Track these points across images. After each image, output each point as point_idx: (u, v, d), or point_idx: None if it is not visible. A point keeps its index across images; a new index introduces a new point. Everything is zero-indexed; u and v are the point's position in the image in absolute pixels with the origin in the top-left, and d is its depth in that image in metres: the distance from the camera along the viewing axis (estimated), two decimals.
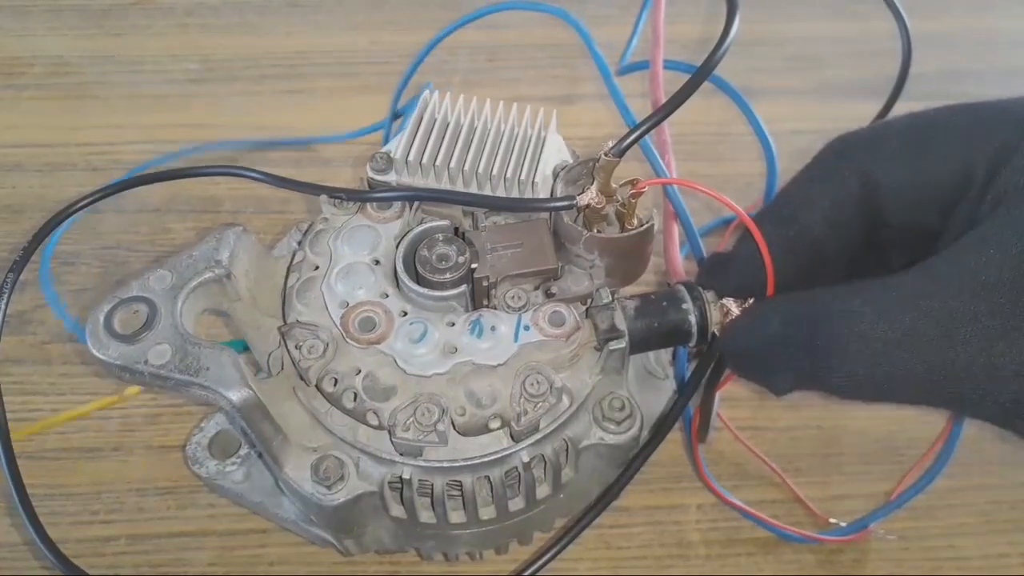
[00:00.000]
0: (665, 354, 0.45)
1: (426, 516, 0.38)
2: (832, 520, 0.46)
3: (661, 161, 0.42)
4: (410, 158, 0.40)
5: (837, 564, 0.46)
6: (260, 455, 0.40)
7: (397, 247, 0.39)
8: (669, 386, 0.44)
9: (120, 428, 0.50)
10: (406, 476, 0.36)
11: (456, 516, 0.38)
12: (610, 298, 0.39)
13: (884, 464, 0.49)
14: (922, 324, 0.29)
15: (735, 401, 0.50)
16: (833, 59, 0.67)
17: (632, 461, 0.40)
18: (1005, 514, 0.48)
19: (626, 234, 0.38)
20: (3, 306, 0.37)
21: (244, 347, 0.41)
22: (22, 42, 0.68)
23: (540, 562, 0.40)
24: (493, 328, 0.37)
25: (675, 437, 0.48)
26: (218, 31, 0.69)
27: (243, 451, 0.42)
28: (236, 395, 0.34)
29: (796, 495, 0.47)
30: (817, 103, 0.65)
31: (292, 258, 0.40)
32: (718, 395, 0.43)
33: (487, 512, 0.38)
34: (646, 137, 0.38)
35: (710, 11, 0.68)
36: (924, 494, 0.46)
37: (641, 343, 0.37)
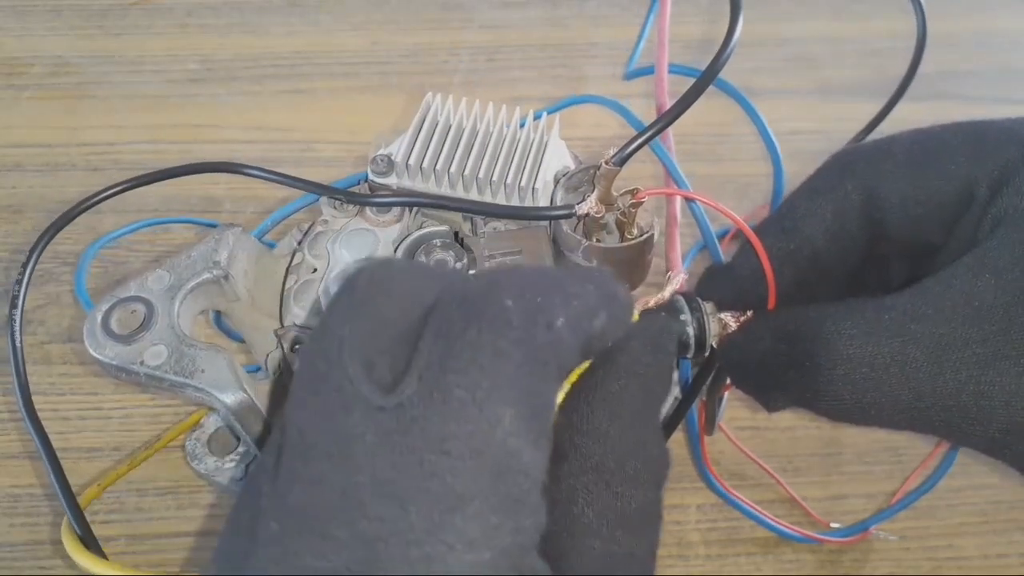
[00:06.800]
0: None
1: None
2: (834, 525, 0.46)
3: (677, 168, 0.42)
4: (410, 162, 0.40)
5: (837, 564, 0.46)
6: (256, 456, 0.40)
7: (395, 252, 0.39)
8: (671, 392, 0.44)
9: (120, 428, 0.50)
10: None
11: None
12: None
13: (884, 464, 0.49)
14: (911, 349, 0.29)
15: (733, 401, 0.50)
16: (833, 59, 0.67)
17: None
18: (1005, 514, 0.48)
19: (625, 244, 0.38)
20: (18, 320, 0.37)
21: None
22: (22, 42, 0.68)
23: None
24: None
25: (675, 437, 0.48)
26: (218, 31, 0.69)
27: (242, 448, 0.42)
28: (230, 398, 0.34)
29: (795, 499, 0.47)
30: (817, 103, 0.64)
31: (291, 259, 0.40)
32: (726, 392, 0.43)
33: None
34: (658, 141, 0.38)
35: (712, 11, 0.68)
36: (924, 494, 0.47)
37: None
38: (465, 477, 0.20)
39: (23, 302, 0.38)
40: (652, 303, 0.32)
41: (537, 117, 0.43)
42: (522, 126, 0.42)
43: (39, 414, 0.50)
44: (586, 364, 0.26)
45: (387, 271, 0.24)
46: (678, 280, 0.33)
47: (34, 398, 0.51)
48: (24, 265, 0.39)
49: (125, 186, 0.42)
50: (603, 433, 0.25)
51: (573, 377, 0.25)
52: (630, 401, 0.25)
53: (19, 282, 0.38)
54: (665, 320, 0.28)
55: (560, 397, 0.25)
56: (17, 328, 0.38)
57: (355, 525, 0.20)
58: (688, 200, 0.39)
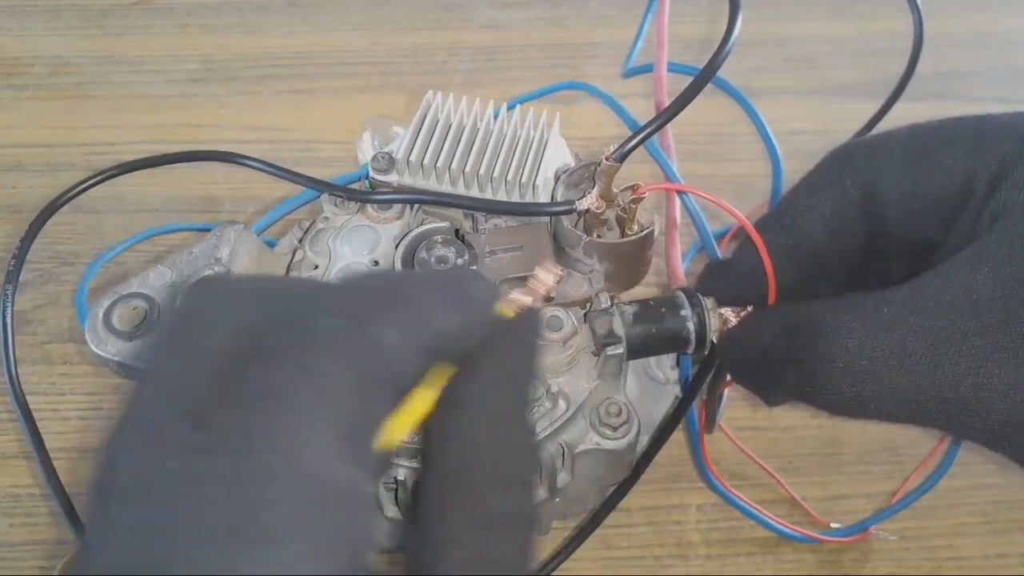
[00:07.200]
0: (667, 359, 0.45)
1: None
2: (834, 525, 0.46)
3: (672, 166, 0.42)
4: (411, 159, 0.40)
5: (837, 564, 0.46)
6: None
7: (396, 248, 0.39)
8: (671, 391, 0.44)
9: None
10: (401, 478, 0.36)
11: None
12: (609, 303, 0.39)
13: (884, 464, 0.49)
14: (910, 342, 0.29)
15: (734, 401, 0.50)
16: (833, 59, 0.67)
17: (637, 466, 0.40)
18: (1005, 514, 0.48)
19: (626, 239, 0.38)
20: (10, 305, 0.38)
21: None
22: (22, 42, 0.68)
23: (544, 571, 0.40)
24: None
25: (675, 437, 0.48)
26: (218, 31, 0.69)
27: None
28: None
29: (795, 499, 0.47)
30: (817, 103, 0.65)
31: (292, 256, 0.41)
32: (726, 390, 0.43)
33: None
34: (654, 139, 0.38)
35: (712, 11, 0.68)
36: (924, 494, 0.47)
37: (639, 349, 0.37)
38: (279, 509, 0.20)
39: (17, 277, 0.39)
40: (526, 299, 0.30)
41: (529, 99, 0.43)
42: (522, 103, 0.42)
43: (39, 415, 0.50)
44: (453, 369, 0.24)
45: (208, 295, 0.24)
46: (547, 278, 0.31)
47: (34, 398, 0.51)
48: (23, 240, 0.40)
49: (121, 170, 0.43)
50: (464, 437, 0.24)
51: (443, 382, 0.24)
52: (491, 401, 0.24)
53: (15, 257, 0.39)
54: (530, 315, 0.27)
55: (429, 406, 0.24)
56: (10, 302, 0.39)
57: (172, 570, 0.19)
58: (681, 193, 0.39)
